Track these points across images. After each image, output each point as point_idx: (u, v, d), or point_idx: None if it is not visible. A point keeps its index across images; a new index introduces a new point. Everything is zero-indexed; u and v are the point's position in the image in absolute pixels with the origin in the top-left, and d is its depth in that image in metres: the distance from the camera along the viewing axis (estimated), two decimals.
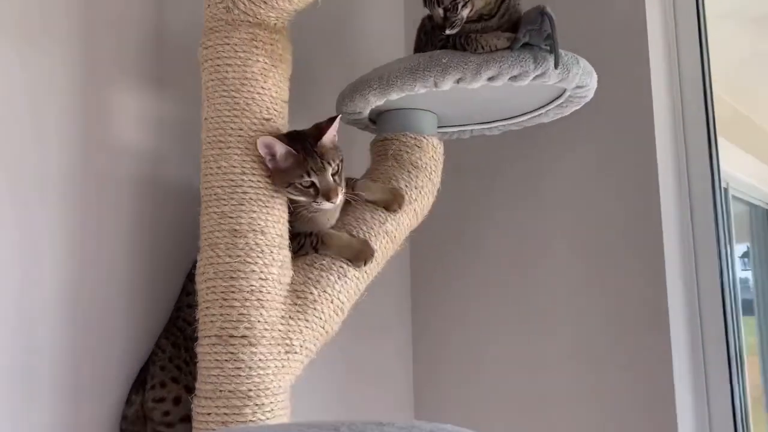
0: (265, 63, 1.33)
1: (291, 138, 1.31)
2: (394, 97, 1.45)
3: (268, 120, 1.32)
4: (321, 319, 1.35)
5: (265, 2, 1.30)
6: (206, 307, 1.27)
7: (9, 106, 1.31)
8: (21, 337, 1.30)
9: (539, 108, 1.60)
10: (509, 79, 1.36)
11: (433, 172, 1.59)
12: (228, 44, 1.32)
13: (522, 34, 1.35)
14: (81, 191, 1.40)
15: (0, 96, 1.30)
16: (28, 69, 1.35)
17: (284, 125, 1.37)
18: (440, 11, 1.37)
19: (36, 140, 1.35)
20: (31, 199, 1.33)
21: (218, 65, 1.32)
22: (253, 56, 1.32)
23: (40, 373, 1.32)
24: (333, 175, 1.29)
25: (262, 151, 1.27)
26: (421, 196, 1.56)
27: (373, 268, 1.44)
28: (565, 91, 1.48)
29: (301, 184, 1.28)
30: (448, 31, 1.37)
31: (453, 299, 2.06)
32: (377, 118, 1.63)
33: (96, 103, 1.44)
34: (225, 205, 1.28)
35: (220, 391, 1.23)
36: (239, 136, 1.29)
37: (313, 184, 1.28)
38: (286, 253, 1.32)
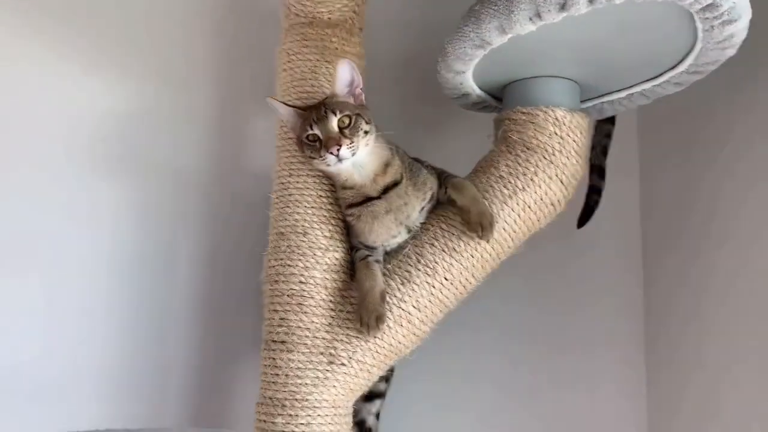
0: (317, 61, 1.29)
1: None
2: (460, 67, 1.21)
3: None
4: None
5: None
6: (265, 312, 1.27)
7: (162, 138, 1.59)
8: (155, 343, 1.52)
9: (694, 45, 1.12)
10: (558, 9, 0.99)
11: (556, 153, 1.26)
12: (283, 49, 1.32)
13: None
14: (216, 210, 1.59)
15: (151, 128, 1.59)
16: (176, 106, 1.62)
17: None
18: None
19: (177, 166, 1.58)
20: (173, 215, 1.57)
21: (278, 72, 1.34)
22: (303, 57, 1.29)
23: (170, 374, 1.52)
24: (342, 128, 1.14)
25: (283, 118, 1.24)
26: (534, 184, 1.24)
27: (459, 275, 1.22)
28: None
29: (307, 138, 1.17)
30: None
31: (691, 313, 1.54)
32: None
33: (231, 131, 1.62)
34: (276, 208, 1.27)
35: (264, 396, 1.21)
36: (289, 138, 1.27)
37: (317, 137, 1.16)
38: (338, 256, 1.23)
